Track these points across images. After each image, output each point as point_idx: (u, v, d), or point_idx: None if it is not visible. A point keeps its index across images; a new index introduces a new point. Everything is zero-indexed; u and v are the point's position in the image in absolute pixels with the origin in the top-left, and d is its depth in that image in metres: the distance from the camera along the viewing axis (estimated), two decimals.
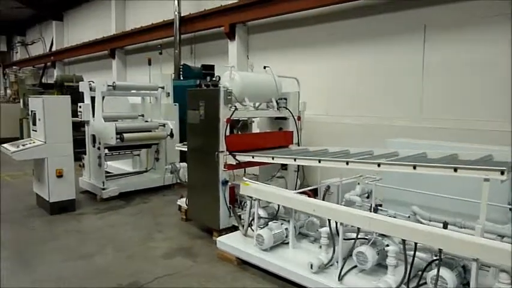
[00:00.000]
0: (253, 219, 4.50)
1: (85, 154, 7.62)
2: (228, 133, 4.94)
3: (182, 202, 6.02)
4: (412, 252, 3.22)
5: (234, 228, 5.18)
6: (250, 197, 4.44)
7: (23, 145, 6.08)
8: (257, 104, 5.81)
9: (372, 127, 6.96)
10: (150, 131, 7.65)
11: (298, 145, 5.93)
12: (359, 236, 3.83)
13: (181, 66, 9.96)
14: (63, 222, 5.89)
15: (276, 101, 5.72)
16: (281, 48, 8.94)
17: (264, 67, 5.69)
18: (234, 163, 4.97)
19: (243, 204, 5.45)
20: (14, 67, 17.07)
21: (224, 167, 4.94)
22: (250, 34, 9.68)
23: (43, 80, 19.00)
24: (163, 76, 8.36)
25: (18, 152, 5.89)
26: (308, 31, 8.37)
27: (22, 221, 5.99)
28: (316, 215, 3.90)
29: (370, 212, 4.15)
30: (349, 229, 3.81)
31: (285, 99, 5.82)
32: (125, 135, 6.88)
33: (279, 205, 4.36)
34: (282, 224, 4.40)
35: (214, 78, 5.14)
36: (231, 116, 4.90)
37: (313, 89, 7.51)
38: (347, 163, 3.90)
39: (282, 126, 6.04)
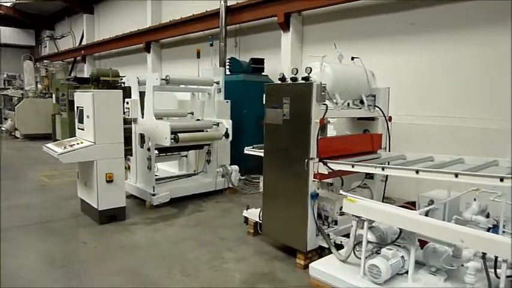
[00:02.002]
0: (358, 244, 3.67)
1: (130, 155, 6.92)
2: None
3: (250, 214, 5.23)
4: None
5: (320, 250, 4.37)
6: (358, 217, 3.60)
7: (70, 145, 5.37)
8: (341, 102, 4.94)
9: (459, 130, 6.02)
10: (202, 131, 6.88)
11: (389, 150, 5.05)
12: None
13: (228, 60, 9.17)
14: (116, 235, 5.17)
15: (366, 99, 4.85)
16: (339, 41, 7.98)
17: (352, 58, 4.83)
18: (326, 172, 4.14)
19: (328, 220, 4.63)
20: (45, 61, 16.62)
21: (315, 177, 4.11)
22: (305, 25, 8.82)
23: (72, 75, 18.63)
24: (215, 70, 7.58)
25: (66, 153, 5.19)
26: (373, 21, 7.47)
27: (69, 232, 5.30)
28: (466, 246, 3.03)
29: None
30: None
31: (373, 96, 4.94)
32: (180, 135, 6.13)
33: (400, 229, 3.50)
34: (397, 250, 3.55)
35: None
36: (324, 115, 4.06)
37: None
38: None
39: (367, 128, 5.17)
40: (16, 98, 15.16)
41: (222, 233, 5.31)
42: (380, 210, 3.45)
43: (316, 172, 4.09)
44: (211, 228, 5.48)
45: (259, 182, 8.11)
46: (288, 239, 4.44)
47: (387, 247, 3.58)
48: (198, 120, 7.15)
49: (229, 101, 7.63)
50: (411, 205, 4.27)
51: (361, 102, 4.86)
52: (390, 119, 5.02)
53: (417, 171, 3.50)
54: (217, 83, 7.03)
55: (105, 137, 5.39)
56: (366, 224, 3.55)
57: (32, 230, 5.32)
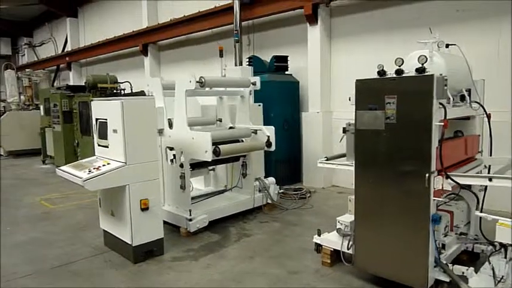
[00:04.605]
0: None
1: None
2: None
3: (325, 241, 4.28)
4: None
5: (435, 285, 3.48)
6: None
7: (96, 168, 4.30)
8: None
9: None
10: (239, 141, 5.88)
11: (489, 154, 4.22)
12: None
13: (248, 59, 8.22)
14: (161, 277, 4.13)
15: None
16: (375, 32, 7.25)
17: (447, 45, 3.97)
18: (450, 188, 3.26)
19: (436, 244, 3.74)
20: (27, 70, 15.19)
21: (436, 196, 3.22)
22: (333, 17, 7.96)
23: (56, 83, 17.28)
24: (243, 70, 6.62)
25: (93, 179, 4.12)
26: (418, 8, 6.67)
27: (99, 276, 4.21)
28: None
29: None
30: None
31: (469, 90, 4.10)
32: (220, 147, 5.15)
33: None
34: None
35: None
36: (445, 117, 3.18)
37: None
38: None
39: (460, 129, 4.31)
40: None
41: (290, 264, 4.35)
42: None
43: (440, 188, 3.19)
44: (273, 259, 4.51)
45: (297, 195, 7.27)
46: (396, 273, 3.52)
47: None
48: (231, 128, 6.16)
49: (261, 104, 6.70)
50: None
51: (460, 97, 3.99)
52: (489, 116, 4.18)
53: None
54: (254, 84, 6.04)
55: (138, 156, 4.36)
56: None
57: (48, 277, 4.21)
